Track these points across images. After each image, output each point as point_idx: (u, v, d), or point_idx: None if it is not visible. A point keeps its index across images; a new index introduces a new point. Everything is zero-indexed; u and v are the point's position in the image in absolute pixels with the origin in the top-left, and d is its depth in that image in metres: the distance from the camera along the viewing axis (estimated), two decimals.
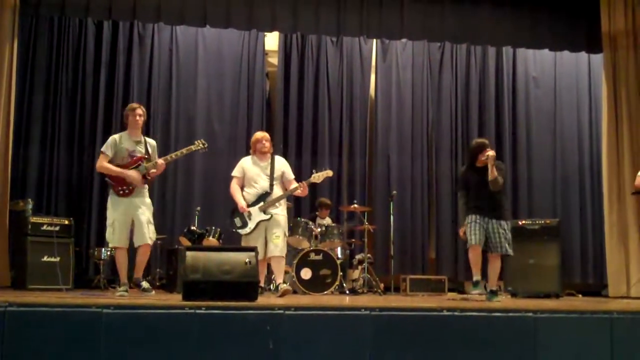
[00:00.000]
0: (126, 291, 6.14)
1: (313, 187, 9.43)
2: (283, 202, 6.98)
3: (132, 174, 6.27)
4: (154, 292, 6.55)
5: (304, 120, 10.09)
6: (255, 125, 9.89)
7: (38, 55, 9.30)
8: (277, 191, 6.90)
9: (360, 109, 10.28)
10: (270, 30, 9.55)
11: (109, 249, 8.28)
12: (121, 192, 6.27)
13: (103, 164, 6.30)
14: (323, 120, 10.13)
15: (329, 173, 7.21)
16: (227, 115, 9.94)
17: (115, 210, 6.28)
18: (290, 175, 7.07)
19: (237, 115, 9.94)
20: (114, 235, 6.26)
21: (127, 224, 6.29)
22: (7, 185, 8.11)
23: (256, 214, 6.78)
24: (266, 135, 7.14)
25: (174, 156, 6.66)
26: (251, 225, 6.76)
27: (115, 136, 6.45)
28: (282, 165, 7.06)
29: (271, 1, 8.84)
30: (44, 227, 7.70)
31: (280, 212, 6.88)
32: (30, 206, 7.95)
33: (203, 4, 8.70)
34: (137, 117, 6.45)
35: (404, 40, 9.98)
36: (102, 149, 6.36)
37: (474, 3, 9.29)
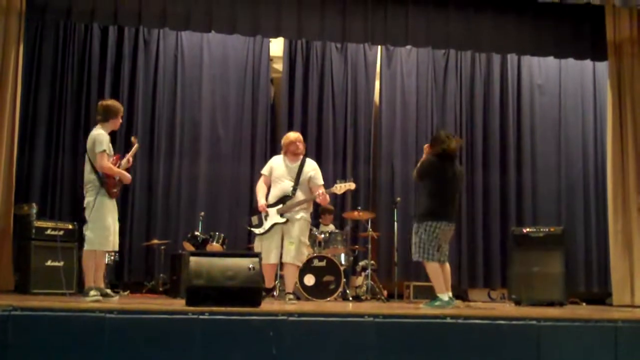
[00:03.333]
0: (105, 295, 6.06)
1: None
2: (306, 209, 6.75)
3: (128, 174, 6.24)
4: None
5: (309, 126, 10.09)
6: (259, 130, 9.91)
7: (43, 60, 9.33)
8: (300, 196, 6.65)
9: (364, 115, 10.29)
10: (275, 36, 9.56)
11: (112, 253, 8.33)
12: (114, 192, 6.09)
13: (108, 163, 6.03)
14: (327, 126, 10.14)
15: (352, 186, 6.91)
16: (232, 120, 9.96)
17: (109, 212, 6.04)
18: (319, 180, 6.78)
19: (242, 121, 9.96)
20: (110, 239, 6.05)
21: None
22: (12, 189, 8.12)
23: (273, 216, 6.59)
24: (300, 136, 6.92)
25: (128, 162, 6.45)
26: (266, 226, 6.60)
27: (106, 134, 6.12)
28: (311, 169, 6.78)
29: (276, 7, 8.84)
30: (48, 232, 7.69)
31: (299, 217, 6.63)
32: (34, 210, 7.95)
33: (208, 10, 8.71)
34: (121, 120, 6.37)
35: (408, 47, 9.99)
36: (104, 148, 5.98)
37: (478, 10, 9.28)
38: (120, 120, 6.35)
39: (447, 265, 6.40)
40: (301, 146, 6.82)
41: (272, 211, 6.62)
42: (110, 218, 6.05)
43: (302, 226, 6.66)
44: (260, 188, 6.81)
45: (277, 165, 6.80)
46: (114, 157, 6.21)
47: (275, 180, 6.73)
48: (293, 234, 6.58)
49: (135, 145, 6.53)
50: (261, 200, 6.69)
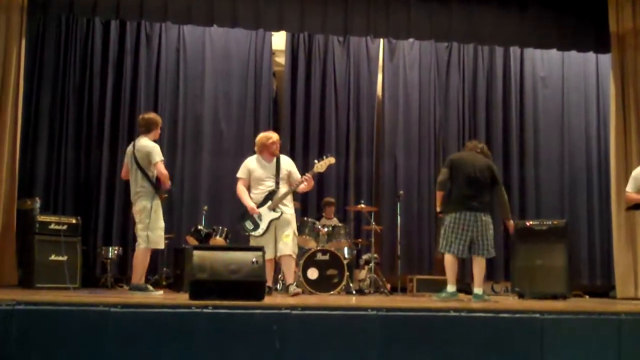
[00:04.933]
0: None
1: (320, 187, 9.46)
2: (291, 201, 6.89)
3: None
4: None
5: (311, 119, 10.10)
6: (262, 124, 9.89)
7: (46, 55, 9.33)
8: (284, 189, 6.80)
9: (367, 109, 10.28)
10: (278, 30, 9.56)
11: (116, 248, 8.43)
12: (164, 197, 6.60)
13: (166, 171, 6.50)
14: (330, 119, 10.13)
15: (332, 160, 7.08)
16: (234, 114, 9.96)
17: (161, 214, 6.51)
18: (297, 175, 6.97)
19: (244, 115, 9.95)
20: (163, 239, 6.55)
21: None
22: (15, 184, 8.14)
23: (266, 214, 6.70)
24: (278, 136, 7.08)
25: None
26: (263, 226, 6.69)
27: (156, 144, 6.58)
28: (288, 165, 6.96)
29: (278, 0, 8.84)
30: (52, 226, 7.72)
31: (289, 210, 6.80)
32: (37, 205, 7.98)
33: (210, 3, 8.71)
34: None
35: (411, 40, 9.97)
36: (162, 157, 6.48)
37: (481, 3, 9.27)
38: (159, 129, 6.75)
39: (478, 259, 6.70)
40: (279, 146, 7.01)
41: (264, 210, 6.73)
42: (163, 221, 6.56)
43: (292, 220, 6.86)
44: (243, 192, 6.87)
45: (254, 167, 6.89)
46: None
47: (256, 181, 6.85)
48: (286, 228, 6.72)
49: None
50: (250, 203, 6.76)
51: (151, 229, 6.35)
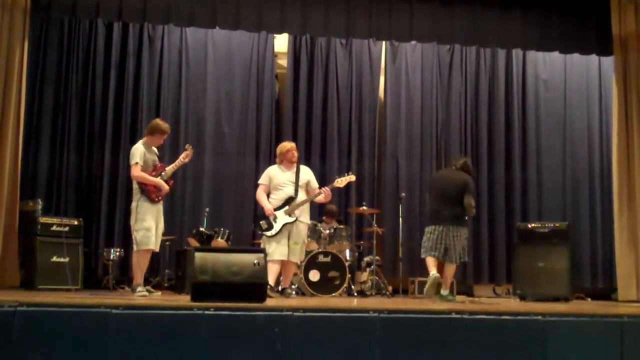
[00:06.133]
0: (149, 291, 6.57)
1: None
2: (307, 209, 7.21)
3: (164, 183, 6.69)
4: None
5: (313, 122, 10.10)
6: (264, 126, 9.91)
7: (48, 57, 9.34)
8: (302, 196, 7.14)
9: (369, 111, 10.27)
10: (280, 32, 9.55)
11: (118, 249, 8.43)
12: (156, 199, 6.60)
13: (140, 173, 6.53)
14: (332, 122, 10.13)
15: (352, 178, 7.43)
16: (236, 116, 9.96)
17: (151, 215, 6.53)
18: (315, 184, 7.32)
19: (246, 117, 9.95)
20: (151, 239, 6.52)
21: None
22: (17, 186, 8.13)
23: (281, 217, 7.01)
24: (294, 145, 7.42)
25: (175, 167, 6.94)
26: (276, 227, 6.98)
27: (140, 147, 6.66)
28: (307, 174, 7.31)
29: (281, 3, 8.82)
30: (54, 228, 7.75)
31: (304, 219, 7.15)
32: (39, 206, 7.99)
33: (213, 6, 8.69)
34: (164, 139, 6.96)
35: (413, 42, 9.95)
36: (137, 160, 6.53)
37: (483, 5, 9.24)
38: (162, 140, 6.88)
39: (449, 266, 7.27)
40: (296, 154, 7.31)
41: (280, 213, 7.05)
42: (152, 220, 6.52)
43: (305, 228, 7.28)
44: (262, 195, 7.24)
45: (274, 174, 7.25)
46: (159, 166, 6.76)
47: (276, 187, 7.18)
48: (298, 236, 7.09)
49: (185, 152, 6.96)
50: (267, 206, 7.10)
51: (137, 230, 6.49)
